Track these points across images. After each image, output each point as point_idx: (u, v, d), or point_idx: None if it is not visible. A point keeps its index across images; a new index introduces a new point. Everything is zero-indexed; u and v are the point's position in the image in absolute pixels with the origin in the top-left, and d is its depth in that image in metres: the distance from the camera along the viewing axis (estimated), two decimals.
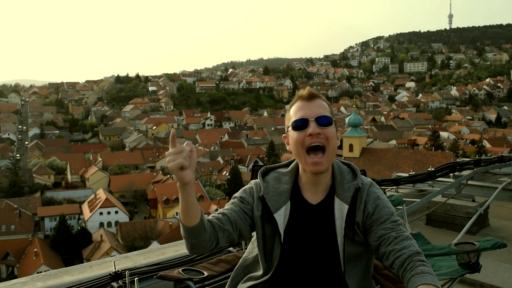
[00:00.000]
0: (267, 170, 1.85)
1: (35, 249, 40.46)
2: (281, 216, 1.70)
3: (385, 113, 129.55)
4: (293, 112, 1.71)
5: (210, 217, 1.71)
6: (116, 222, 50.86)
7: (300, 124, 1.66)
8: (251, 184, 1.83)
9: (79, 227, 48.45)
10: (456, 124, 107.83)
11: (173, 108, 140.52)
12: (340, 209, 1.69)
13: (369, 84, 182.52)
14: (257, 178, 1.85)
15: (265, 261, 1.73)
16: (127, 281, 2.38)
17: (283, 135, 1.81)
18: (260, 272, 1.76)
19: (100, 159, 76.22)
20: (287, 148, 1.79)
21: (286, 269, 1.71)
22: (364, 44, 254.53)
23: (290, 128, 1.71)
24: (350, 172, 1.78)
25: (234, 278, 1.87)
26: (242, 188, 1.85)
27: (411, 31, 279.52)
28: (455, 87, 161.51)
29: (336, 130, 1.71)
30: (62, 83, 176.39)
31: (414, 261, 1.55)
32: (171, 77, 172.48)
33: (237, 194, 1.82)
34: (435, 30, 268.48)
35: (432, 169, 5.45)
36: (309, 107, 1.68)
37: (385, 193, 4.16)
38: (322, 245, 1.69)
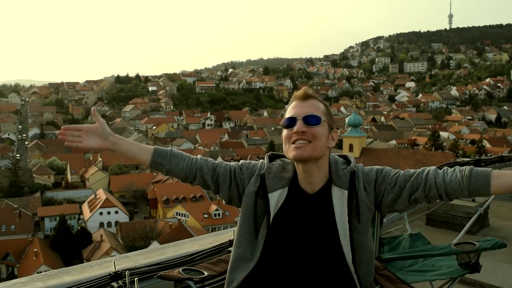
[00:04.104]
0: (273, 155, 1.88)
1: (35, 249, 40.47)
2: (275, 198, 1.72)
3: (385, 113, 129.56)
4: (288, 111, 1.76)
5: (204, 158, 1.85)
6: (116, 222, 50.85)
7: (288, 123, 1.71)
8: (257, 161, 1.87)
9: (79, 227, 48.46)
10: (456, 124, 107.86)
11: (173, 108, 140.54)
12: (339, 196, 1.70)
13: (369, 84, 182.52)
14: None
15: (255, 237, 1.73)
16: (127, 281, 2.38)
17: (282, 134, 1.85)
18: (247, 256, 1.74)
19: (100, 159, 76.21)
20: None
21: (272, 253, 1.70)
22: (364, 44, 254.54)
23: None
24: (345, 162, 1.81)
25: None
26: (249, 161, 1.89)
27: (411, 31, 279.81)
28: (455, 87, 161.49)
29: (330, 131, 1.74)
30: (62, 83, 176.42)
31: (457, 170, 1.65)
32: (171, 77, 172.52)
33: (242, 161, 1.87)
34: (435, 30, 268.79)
35: None
36: (300, 106, 1.72)
37: None
38: (317, 233, 1.69)
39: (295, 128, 1.68)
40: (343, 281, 1.69)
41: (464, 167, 1.65)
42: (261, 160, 1.86)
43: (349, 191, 1.70)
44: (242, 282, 1.73)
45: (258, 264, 1.71)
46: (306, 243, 1.68)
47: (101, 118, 1.75)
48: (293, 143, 1.69)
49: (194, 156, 1.85)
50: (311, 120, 1.69)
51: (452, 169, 1.66)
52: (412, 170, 1.72)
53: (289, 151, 1.70)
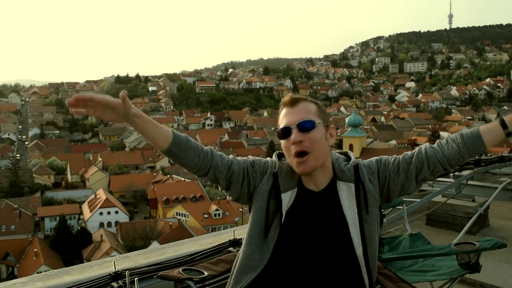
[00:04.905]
0: (280, 154, 1.86)
1: (35, 249, 40.47)
2: (287, 198, 1.72)
3: (385, 113, 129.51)
4: (280, 121, 1.75)
5: (219, 154, 1.77)
6: (116, 222, 50.84)
7: (284, 133, 1.70)
8: (267, 159, 1.86)
9: (79, 227, 48.45)
10: (456, 124, 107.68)
11: (173, 108, 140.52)
12: (346, 190, 1.71)
13: (369, 84, 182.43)
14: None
15: (265, 237, 1.72)
16: (127, 281, 2.39)
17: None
18: (256, 255, 1.74)
19: (100, 159, 76.23)
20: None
21: (284, 253, 1.70)
22: (364, 44, 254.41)
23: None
24: (346, 159, 1.82)
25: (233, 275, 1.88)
26: (259, 157, 1.87)
27: (411, 31, 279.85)
28: (455, 87, 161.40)
29: (327, 130, 1.74)
30: (62, 83, 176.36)
31: (450, 141, 1.73)
32: (171, 77, 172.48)
33: (252, 158, 1.84)
34: (435, 30, 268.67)
35: None
36: (292, 113, 1.71)
37: None
38: (328, 229, 1.69)
39: (292, 139, 1.67)
40: (352, 275, 1.69)
41: (454, 135, 1.72)
42: (269, 158, 1.86)
43: (355, 184, 1.71)
44: (252, 282, 1.73)
45: (268, 264, 1.71)
46: (317, 240, 1.69)
47: (129, 101, 1.56)
48: (294, 155, 1.68)
49: (209, 150, 1.76)
50: (305, 126, 1.67)
51: (445, 141, 1.73)
52: (410, 152, 1.77)
53: (294, 165, 1.70)
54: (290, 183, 1.74)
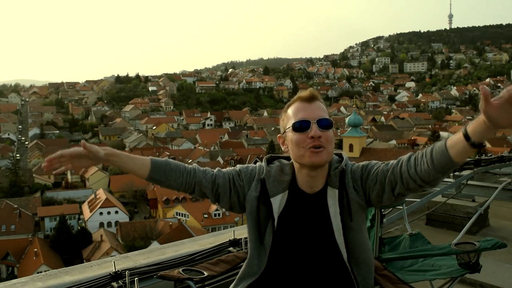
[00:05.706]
0: (271, 158, 1.86)
1: (35, 249, 40.50)
2: (277, 202, 1.71)
3: (385, 113, 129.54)
4: (292, 113, 1.71)
5: (202, 170, 1.81)
6: (116, 222, 50.88)
7: (302, 126, 1.66)
8: (255, 165, 1.84)
9: (79, 227, 48.49)
10: (456, 124, 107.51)
11: (173, 108, 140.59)
12: (332, 196, 1.70)
13: (369, 84, 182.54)
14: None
15: (260, 243, 1.73)
16: (127, 281, 2.39)
17: (278, 135, 1.82)
18: (254, 261, 1.76)
19: None
20: (283, 148, 1.79)
21: (279, 258, 1.71)
22: (364, 44, 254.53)
23: (290, 129, 1.70)
24: (339, 160, 1.79)
25: None
26: (247, 165, 1.87)
27: (411, 31, 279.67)
28: (455, 87, 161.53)
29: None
30: (62, 83, 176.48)
31: (424, 155, 1.52)
32: (171, 77, 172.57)
33: (239, 166, 1.85)
34: (435, 30, 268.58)
35: None
36: (310, 108, 1.68)
37: None
38: (317, 234, 1.69)
39: (312, 133, 1.64)
40: (343, 281, 1.69)
41: (428, 148, 1.53)
42: (258, 163, 1.84)
43: (339, 190, 1.69)
44: (248, 287, 1.75)
45: (266, 270, 1.72)
46: (308, 245, 1.69)
47: (93, 147, 1.64)
48: (310, 148, 1.65)
49: (192, 168, 1.80)
50: (324, 124, 1.66)
51: (420, 155, 1.54)
52: (391, 162, 1.64)
53: (305, 156, 1.66)
54: (279, 186, 1.73)
